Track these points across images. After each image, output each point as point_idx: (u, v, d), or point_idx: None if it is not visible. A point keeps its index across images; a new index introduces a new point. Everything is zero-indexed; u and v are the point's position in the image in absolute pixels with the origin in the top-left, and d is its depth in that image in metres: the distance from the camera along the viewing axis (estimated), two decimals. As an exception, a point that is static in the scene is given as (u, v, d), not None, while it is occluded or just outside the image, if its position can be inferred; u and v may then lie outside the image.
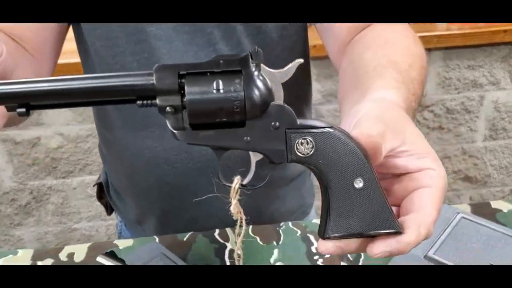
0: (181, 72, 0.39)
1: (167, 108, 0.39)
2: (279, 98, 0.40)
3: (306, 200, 0.98)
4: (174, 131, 0.40)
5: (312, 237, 0.79)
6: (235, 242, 0.80)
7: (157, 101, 0.39)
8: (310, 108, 0.94)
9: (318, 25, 0.74)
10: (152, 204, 0.86)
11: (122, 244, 0.81)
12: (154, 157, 0.79)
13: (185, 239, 0.81)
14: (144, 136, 0.78)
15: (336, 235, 0.41)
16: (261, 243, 0.79)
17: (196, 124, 0.40)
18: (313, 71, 1.50)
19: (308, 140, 0.40)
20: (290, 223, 0.83)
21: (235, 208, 0.43)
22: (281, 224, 0.83)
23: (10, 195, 1.69)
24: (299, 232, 0.81)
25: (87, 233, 1.79)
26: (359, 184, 0.40)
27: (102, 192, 1.00)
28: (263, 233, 0.81)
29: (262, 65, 0.40)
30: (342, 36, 0.71)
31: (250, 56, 0.40)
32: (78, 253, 0.80)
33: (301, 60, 0.41)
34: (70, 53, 0.83)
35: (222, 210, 0.84)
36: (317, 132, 0.40)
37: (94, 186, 1.04)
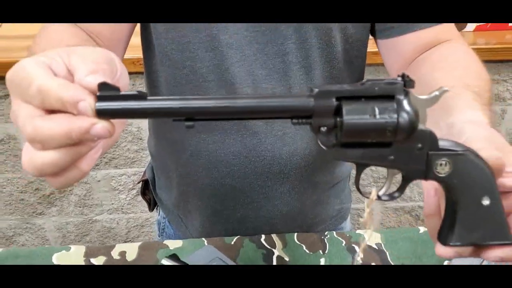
0: (338, 96, 0.42)
1: (321, 128, 0.42)
2: (423, 121, 0.43)
3: (345, 205, 1.01)
4: (324, 147, 0.44)
5: (357, 248, 0.82)
6: (282, 249, 0.83)
7: (312, 120, 0.42)
8: None
9: (381, 41, 0.76)
10: (204, 203, 0.89)
11: (172, 244, 0.84)
12: (213, 159, 0.82)
13: (232, 242, 0.83)
14: (205, 139, 0.81)
15: (457, 243, 0.46)
16: (307, 251, 0.82)
17: (347, 143, 0.43)
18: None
19: (446, 161, 0.44)
20: (334, 233, 0.85)
21: (367, 216, 0.47)
22: (325, 233, 0.85)
23: (34, 185, 1.71)
24: (344, 242, 0.84)
25: (108, 225, 1.82)
26: (485, 201, 0.45)
27: (147, 189, 1.03)
28: (308, 241, 0.84)
29: (411, 91, 0.42)
30: (407, 54, 0.73)
31: (404, 84, 0.42)
32: (130, 252, 0.82)
33: (447, 89, 0.43)
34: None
35: (270, 212, 0.88)
36: (455, 155, 0.44)
37: (138, 183, 1.06)
